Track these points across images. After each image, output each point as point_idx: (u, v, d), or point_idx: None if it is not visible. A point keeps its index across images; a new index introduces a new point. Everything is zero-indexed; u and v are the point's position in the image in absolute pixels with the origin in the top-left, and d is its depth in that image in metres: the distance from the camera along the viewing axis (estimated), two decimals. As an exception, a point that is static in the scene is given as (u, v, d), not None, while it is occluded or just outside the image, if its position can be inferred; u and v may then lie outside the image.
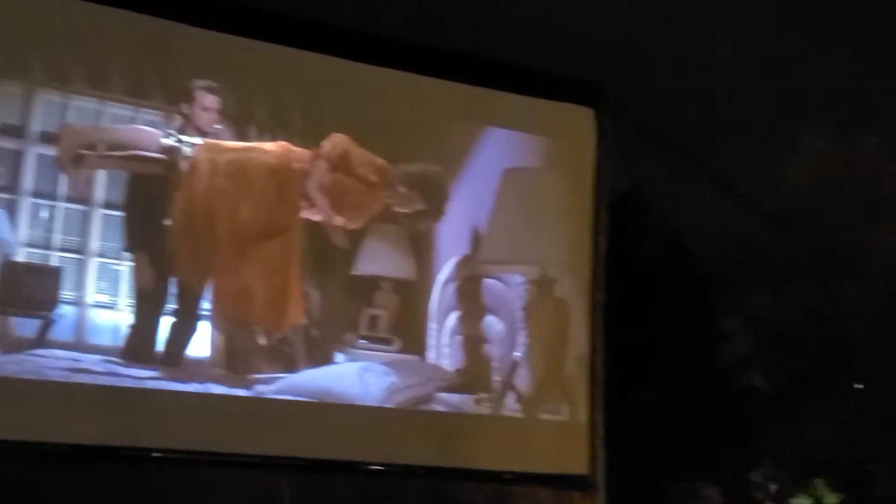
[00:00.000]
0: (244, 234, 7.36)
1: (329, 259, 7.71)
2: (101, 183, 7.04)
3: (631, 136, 9.93)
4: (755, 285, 14.38)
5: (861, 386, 14.27)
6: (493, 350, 8.20)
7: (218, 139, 7.34)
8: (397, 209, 7.91)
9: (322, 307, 7.67)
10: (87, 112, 7.09)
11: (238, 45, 7.47)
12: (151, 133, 7.17)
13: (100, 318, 6.95)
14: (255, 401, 7.24)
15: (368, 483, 7.54)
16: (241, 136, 7.47)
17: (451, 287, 8.07)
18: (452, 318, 8.08)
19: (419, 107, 8.13)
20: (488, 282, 8.25)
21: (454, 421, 7.90)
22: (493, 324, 8.24)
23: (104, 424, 6.72)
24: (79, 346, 6.82)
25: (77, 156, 6.90)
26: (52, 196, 6.90)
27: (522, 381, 8.19)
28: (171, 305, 7.15)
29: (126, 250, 7.02)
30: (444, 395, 7.90)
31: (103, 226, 7.02)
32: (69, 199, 6.95)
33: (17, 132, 6.83)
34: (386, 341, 7.82)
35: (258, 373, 7.34)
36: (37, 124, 6.88)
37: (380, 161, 7.81)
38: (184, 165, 7.19)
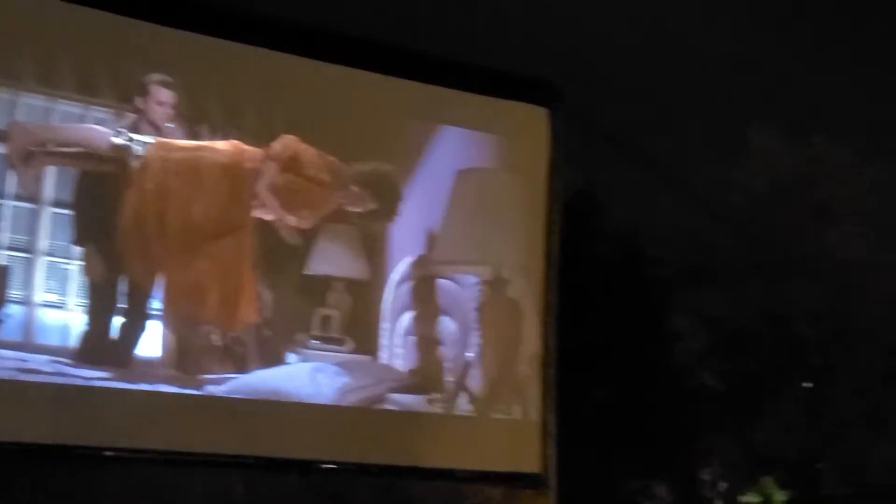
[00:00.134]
0: (196, 233, 7.31)
1: (281, 258, 7.67)
2: (51, 181, 6.96)
3: (585, 137, 9.99)
4: (707, 285, 14.50)
5: (810, 385, 14.45)
6: (446, 350, 8.21)
7: (170, 138, 7.29)
8: (350, 209, 7.90)
9: (274, 307, 7.63)
10: (36, 110, 6.99)
11: (191, 41, 7.42)
12: (102, 132, 7.09)
13: (48, 317, 6.86)
14: (207, 399, 7.21)
15: (322, 481, 7.53)
16: (193, 135, 7.42)
17: (405, 287, 8.07)
18: (405, 319, 8.08)
19: (373, 105, 8.11)
20: (442, 282, 8.26)
21: (408, 420, 7.90)
22: (446, 324, 8.26)
23: (53, 424, 6.65)
24: (27, 345, 6.73)
25: (27, 154, 6.82)
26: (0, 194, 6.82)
27: (475, 381, 8.21)
28: (121, 305, 7.09)
29: (75, 244, 6.94)
30: (397, 396, 7.91)
31: (52, 225, 6.94)
32: (18, 198, 6.85)
33: (-36, 130, 6.75)
34: (338, 342, 7.80)
35: (209, 373, 7.30)
36: (-15, 122, 6.80)
37: (332, 160, 7.79)
38: (135, 164, 7.13)
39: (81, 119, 7.12)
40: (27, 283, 6.84)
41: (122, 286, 7.09)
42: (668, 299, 13.99)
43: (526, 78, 8.81)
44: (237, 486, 7.12)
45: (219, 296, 7.38)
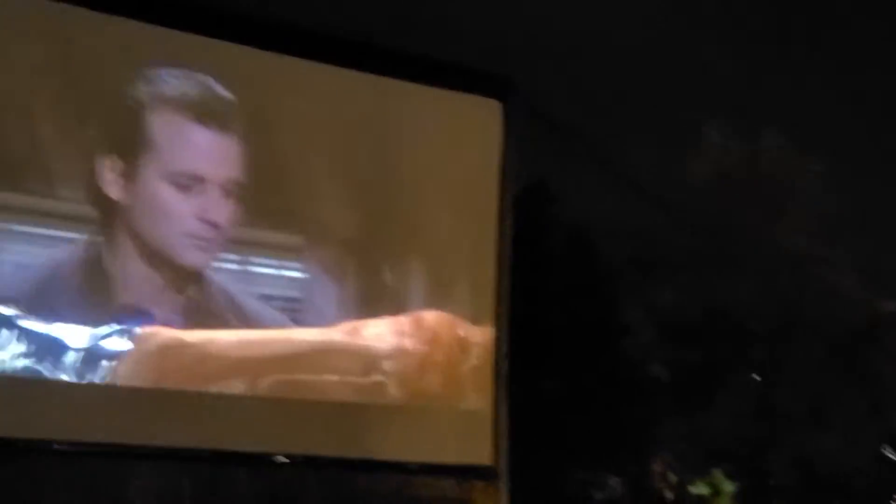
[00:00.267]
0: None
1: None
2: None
3: (537, 129, 10.00)
4: (657, 278, 14.58)
5: (758, 377, 14.58)
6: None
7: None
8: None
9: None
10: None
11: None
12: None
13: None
14: (152, 391, 7.13)
15: (271, 474, 7.49)
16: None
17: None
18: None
19: (321, 97, 8.03)
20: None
21: (357, 411, 7.87)
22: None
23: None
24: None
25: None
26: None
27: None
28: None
29: None
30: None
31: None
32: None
33: None
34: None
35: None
36: None
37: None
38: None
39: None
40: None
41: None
42: (619, 292, 14.05)
43: (479, 70, 8.78)
44: (184, 479, 7.06)
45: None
